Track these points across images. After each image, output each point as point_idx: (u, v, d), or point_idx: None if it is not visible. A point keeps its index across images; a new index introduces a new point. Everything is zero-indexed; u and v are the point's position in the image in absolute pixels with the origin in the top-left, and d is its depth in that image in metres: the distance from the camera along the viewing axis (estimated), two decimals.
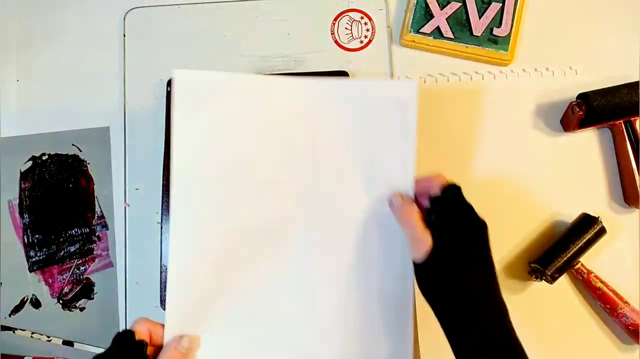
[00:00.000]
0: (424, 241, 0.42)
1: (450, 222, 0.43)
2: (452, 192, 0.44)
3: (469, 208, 0.44)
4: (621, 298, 0.55)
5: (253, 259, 0.45)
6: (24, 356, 0.58)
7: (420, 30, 0.62)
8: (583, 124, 0.58)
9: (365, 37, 0.63)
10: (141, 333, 0.42)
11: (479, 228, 0.44)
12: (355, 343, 0.46)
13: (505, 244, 0.59)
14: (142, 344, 0.41)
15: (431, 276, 0.43)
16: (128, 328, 0.42)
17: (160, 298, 0.57)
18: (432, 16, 0.62)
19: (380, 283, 0.46)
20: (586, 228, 0.55)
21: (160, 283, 0.57)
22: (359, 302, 0.46)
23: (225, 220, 0.45)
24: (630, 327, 0.54)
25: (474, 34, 0.61)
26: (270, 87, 0.46)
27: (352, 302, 0.46)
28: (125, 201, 0.61)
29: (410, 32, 0.62)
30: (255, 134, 0.46)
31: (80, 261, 0.60)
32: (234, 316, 0.45)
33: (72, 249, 0.60)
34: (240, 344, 0.45)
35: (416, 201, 0.45)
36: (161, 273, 0.57)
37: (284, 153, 0.46)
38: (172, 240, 0.44)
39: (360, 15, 0.64)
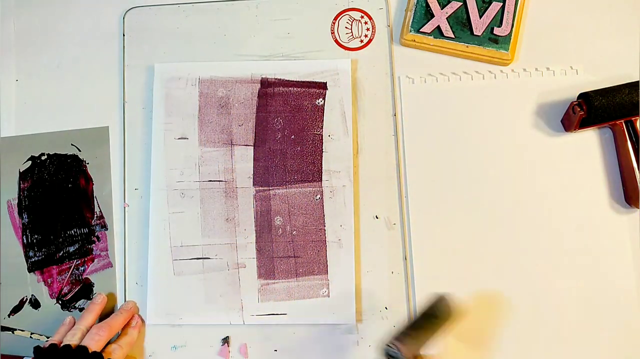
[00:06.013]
0: None
1: None
2: None
3: None
4: None
5: None
6: (24, 357, 0.58)
7: (421, 30, 0.61)
8: (584, 124, 0.58)
9: (366, 36, 0.63)
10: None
11: None
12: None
13: None
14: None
15: None
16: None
17: None
18: (432, 15, 0.62)
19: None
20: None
21: None
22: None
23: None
24: None
25: (475, 33, 0.61)
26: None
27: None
28: (124, 201, 0.61)
29: (410, 31, 0.61)
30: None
31: (80, 262, 0.60)
32: None
33: (72, 249, 0.60)
34: None
35: None
36: None
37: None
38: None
39: (360, 14, 0.64)
